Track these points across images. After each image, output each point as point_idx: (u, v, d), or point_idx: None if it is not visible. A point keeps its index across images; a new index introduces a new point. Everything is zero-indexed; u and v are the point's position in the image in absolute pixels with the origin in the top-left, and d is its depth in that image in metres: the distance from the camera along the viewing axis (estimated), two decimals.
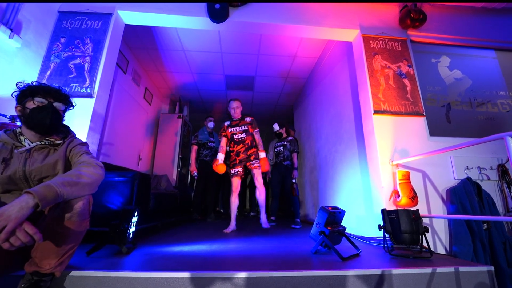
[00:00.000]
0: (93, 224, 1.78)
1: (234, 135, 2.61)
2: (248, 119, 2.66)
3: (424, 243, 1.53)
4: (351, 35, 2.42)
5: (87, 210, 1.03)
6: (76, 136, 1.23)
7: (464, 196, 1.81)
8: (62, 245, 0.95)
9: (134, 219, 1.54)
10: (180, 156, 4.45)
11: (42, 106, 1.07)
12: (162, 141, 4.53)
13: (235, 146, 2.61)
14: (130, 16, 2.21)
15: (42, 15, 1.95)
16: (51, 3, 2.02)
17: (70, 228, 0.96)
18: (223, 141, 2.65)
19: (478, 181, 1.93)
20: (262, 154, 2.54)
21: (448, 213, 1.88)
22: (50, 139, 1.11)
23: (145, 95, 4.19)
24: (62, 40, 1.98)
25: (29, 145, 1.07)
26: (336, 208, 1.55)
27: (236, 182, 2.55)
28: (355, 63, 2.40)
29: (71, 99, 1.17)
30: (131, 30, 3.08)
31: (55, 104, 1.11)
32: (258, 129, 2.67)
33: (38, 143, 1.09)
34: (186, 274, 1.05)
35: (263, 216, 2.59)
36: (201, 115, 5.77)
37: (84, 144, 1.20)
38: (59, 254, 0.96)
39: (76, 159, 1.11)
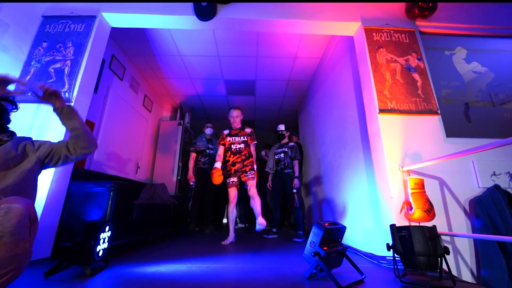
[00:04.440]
0: (65, 239, 1.66)
1: (232, 145, 2.55)
2: (248, 130, 2.63)
3: (445, 267, 1.25)
4: (352, 28, 2.20)
5: (27, 229, 0.87)
6: None
7: (492, 207, 1.51)
8: None
9: (104, 235, 1.37)
10: (180, 164, 4.32)
11: None
12: (162, 148, 4.44)
13: (232, 156, 2.55)
14: (116, 18, 2.13)
15: (24, 20, 1.89)
16: (35, 4, 1.97)
17: (1, 251, 0.80)
18: (220, 149, 2.60)
19: (509, 190, 1.61)
20: (254, 167, 2.54)
21: (473, 229, 1.58)
22: None
23: (145, 102, 4.13)
24: (44, 44, 1.91)
25: None
26: (334, 223, 1.31)
27: (233, 193, 2.46)
28: (357, 58, 2.17)
29: (16, 100, 1.08)
30: (126, 37, 3.04)
31: (2, 102, 1.06)
32: (256, 142, 2.64)
33: None
34: None
35: (259, 219, 2.31)
36: (203, 122, 5.65)
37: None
38: None
39: (56, 144, 1.15)
